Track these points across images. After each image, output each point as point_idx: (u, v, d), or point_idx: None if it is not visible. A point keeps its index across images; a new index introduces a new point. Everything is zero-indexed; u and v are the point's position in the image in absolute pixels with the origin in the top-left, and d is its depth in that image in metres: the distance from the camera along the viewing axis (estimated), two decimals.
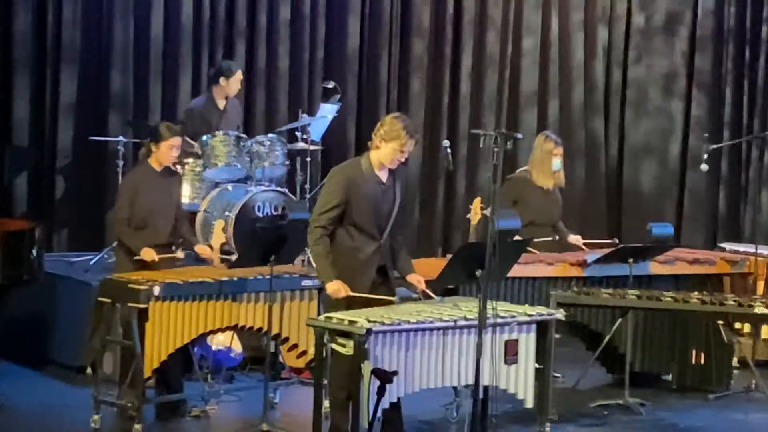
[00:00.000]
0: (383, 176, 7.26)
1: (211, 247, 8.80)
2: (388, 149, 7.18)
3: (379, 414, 6.26)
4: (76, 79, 11.01)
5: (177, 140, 8.08)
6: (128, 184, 8.11)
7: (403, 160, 7.26)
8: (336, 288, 7.08)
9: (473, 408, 6.66)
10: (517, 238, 8.47)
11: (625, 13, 12.99)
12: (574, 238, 9.54)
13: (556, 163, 9.41)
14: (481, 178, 12.40)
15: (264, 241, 7.79)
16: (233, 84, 10.49)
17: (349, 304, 7.08)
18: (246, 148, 10.13)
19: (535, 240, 8.96)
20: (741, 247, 10.37)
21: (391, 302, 7.15)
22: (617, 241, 9.91)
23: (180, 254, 8.19)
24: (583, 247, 9.48)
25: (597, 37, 12.98)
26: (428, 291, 7.34)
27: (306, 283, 7.93)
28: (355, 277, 7.14)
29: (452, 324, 6.88)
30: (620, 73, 13.06)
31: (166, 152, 8.04)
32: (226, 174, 10.18)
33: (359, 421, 6.58)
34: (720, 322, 8.81)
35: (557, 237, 9.43)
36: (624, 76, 13.05)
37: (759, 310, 8.54)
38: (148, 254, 7.91)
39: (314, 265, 7.29)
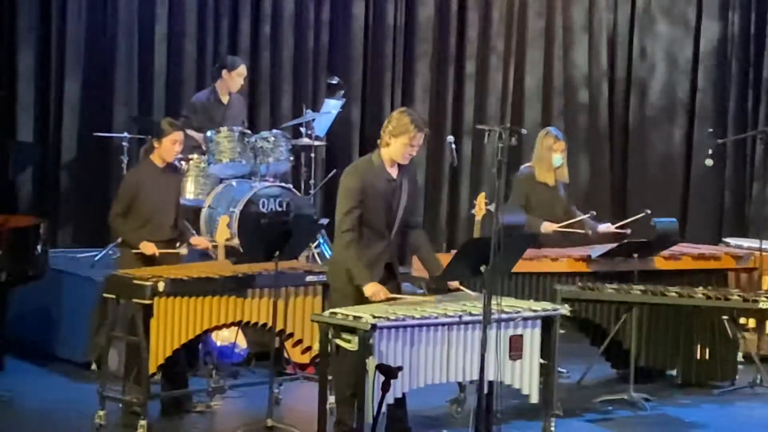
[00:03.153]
0: (393, 173, 7.25)
1: (214, 242, 8.80)
2: (398, 144, 7.17)
3: (383, 409, 6.26)
4: (80, 75, 11.02)
5: (179, 135, 8.09)
6: (130, 181, 8.11)
7: (414, 153, 7.24)
8: (375, 290, 7.03)
9: (478, 403, 6.66)
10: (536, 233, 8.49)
11: (629, 7, 12.98)
12: (604, 227, 9.48)
13: (557, 158, 9.38)
14: (485, 174, 12.40)
15: (268, 236, 7.78)
16: (235, 78, 10.49)
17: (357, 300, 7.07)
18: (250, 143, 10.14)
19: (564, 223, 9.00)
20: (746, 242, 10.37)
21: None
22: (648, 211, 9.71)
23: (183, 250, 8.19)
24: (618, 231, 9.37)
25: (601, 32, 12.98)
26: (462, 288, 7.35)
27: (310, 278, 7.92)
28: None
29: (457, 319, 6.89)
30: (625, 67, 13.05)
31: (169, 147, 8.05)
32: (231, 170, 10.19)
33: (364, 417, 6.58)
34: (725, 317, 8.81)
35: (589, 232, 9.40)
36: (628, 71, 13.04)
37: (764, 305, 8.54)
38: (148, 248, 7.95)
39: (349, 268, 7.12)
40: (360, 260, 7.08)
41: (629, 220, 9.48)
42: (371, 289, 7.03)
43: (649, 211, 9.56)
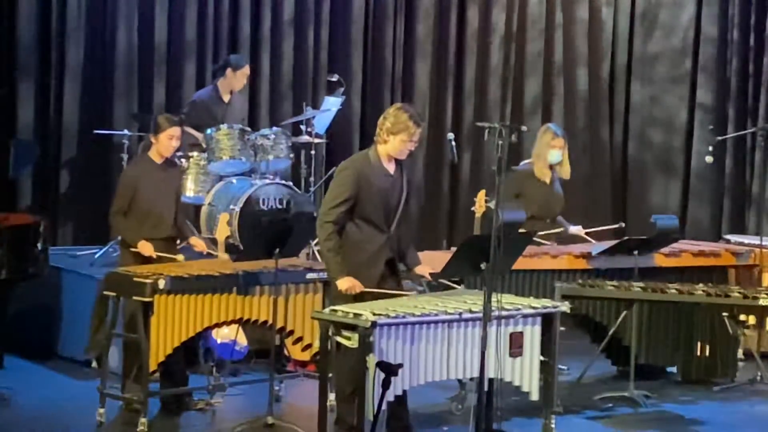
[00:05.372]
0: (391, 168, 7.25)
1: (214, 240, 8.79)
2: (397, 141, 7.16)
3: (384, 407, 6.26)
4: (80, 73, 11.01)
5: (176, 130, 8.07)
6: (129, 177, 8.10)
7: (413, 149, 7.25)
8: (348, 285, 7.05)
9: (478, 400, 6.66)
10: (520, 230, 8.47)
11: (630, 4, 12.99)
12: (575, 229, 9.53)
13: (554, 154, 9.37)
14: (485, 171, 12.40)
15: (268, 234, 7.78)
16: (240, 78, 10.49)
17: (360, 298, 7.07)
18: (250, 141, 10.14)
19: (539, 233, 8.97)
20: (746, 239, 10.37)
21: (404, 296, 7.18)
22: (623, 224, 9.81)
23: (180, 257, 8.09)
24: (586, 237, 9.47)
25: (602, 28, 12.98)
26: (446, 281, 7.37)
27: (311, 276, 7.93)
28: (364, 270, 7.13)
29: (457, 317, 6.89)
30: (625, 65, 13.05)
31: (165, 142, 8.04)
32: (231, 167, 10.18)
33: (364, 414, 6.58)
34: (725, 314, 8.80)
35: (561, 229, 9.43)
36: (629, 68, 13.04)
37: (764, 301, 8.54)
38: (146, 248, 7.91)
39: (324, 260, 7.23)
40: (338, 253, 7.09)
41: (602, 228, 9.49)
42: (345, 283, 7.05)
43: (623, 224, 9.66)
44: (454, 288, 7.41)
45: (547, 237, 9.20)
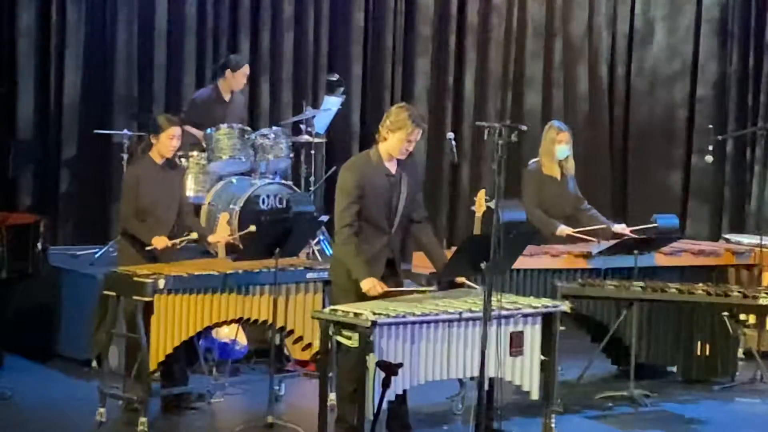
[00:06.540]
0: (392, 168, 7.26)
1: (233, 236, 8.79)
2: (395, 139, 7.17)
3: (384, 406, 6.26)
4: (80, 72, 11.01)
5: (176, 130, 8.05)
6: (130, 179, 8.07)
7: (411, 149, 7.25)
8: (371, 285, 7.04)
9: (478, 400, 6.66)
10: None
11: (629, 9, 12.99)
12: (619, 228, 9.48)
13: (561, 150, 9.38)
14: (485, 170, 12.40)
15: (268, 233, 7.78)
16: (239, 78, 10.49)
17: (375, 298, 7.06)
18: (250, 140, 10.14)
19: (581, 229, 9.03)
20: (746, 239, 10.36)
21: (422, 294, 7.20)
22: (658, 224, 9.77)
23: (194, 235, 8.00)
24: (631, 235, 9.36)
25: (601, 25, 12.98)
26: (468, 282, 7.36)
27: (311, 275, 7.93)
28: None
29: (457, 316, 6.89)
30: (625, 61, 13.04)
31: (166, 142, 8.02)
32: (231, 167, 10.18)
33: (365, 414, 6.58)
34: (725, 313, 8.80)
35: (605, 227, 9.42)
36: (629, 65, 13.03)
37: (764, 301, 8.54)
38: (161, 242, 7.87)
39: (347, 264, 7.14)
40: (358, 255, 7.08)
41: (644, 227, 9.43)
42: (368, 284, 7.04)
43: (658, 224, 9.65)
44: (474, 288, 7.39)
45: (590, 233, 9.19)
